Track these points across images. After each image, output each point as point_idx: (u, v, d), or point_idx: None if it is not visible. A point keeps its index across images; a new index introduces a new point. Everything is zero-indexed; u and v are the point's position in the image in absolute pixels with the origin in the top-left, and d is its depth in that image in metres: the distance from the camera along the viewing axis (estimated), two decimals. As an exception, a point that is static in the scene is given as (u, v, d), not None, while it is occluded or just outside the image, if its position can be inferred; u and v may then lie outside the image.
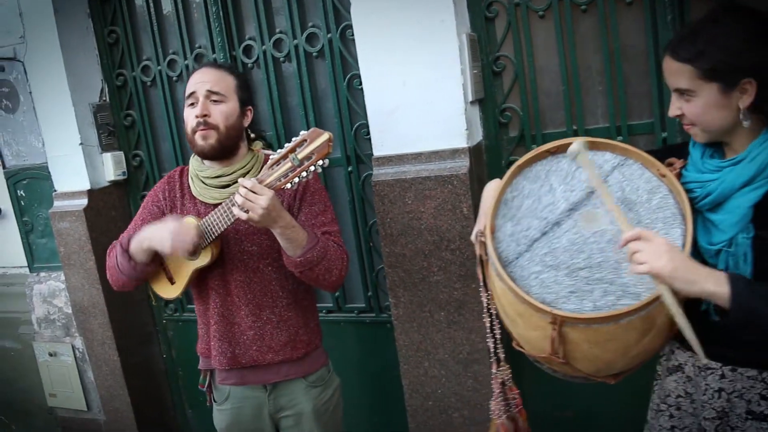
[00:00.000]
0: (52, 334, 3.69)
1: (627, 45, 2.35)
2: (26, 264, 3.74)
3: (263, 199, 1.73)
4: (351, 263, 2.95)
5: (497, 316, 1.70)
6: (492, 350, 1.75)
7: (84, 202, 3.25)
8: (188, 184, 2.10)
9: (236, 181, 1.95)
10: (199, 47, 3.08)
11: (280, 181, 1.75)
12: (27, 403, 4.01)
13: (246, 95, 2.05)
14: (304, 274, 1.91)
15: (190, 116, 1.97)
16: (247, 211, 1.75)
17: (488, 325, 1.71)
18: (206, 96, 1.95)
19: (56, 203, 3.35)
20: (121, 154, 3.36)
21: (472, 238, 1.65)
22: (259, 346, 2.05)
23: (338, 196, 2.93)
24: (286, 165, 1.74)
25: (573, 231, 1.52)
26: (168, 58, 3.16)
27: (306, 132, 1.72)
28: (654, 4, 2.26)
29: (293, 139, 1.73)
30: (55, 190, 3.38)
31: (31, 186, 3.56)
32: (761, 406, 1.45)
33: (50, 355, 3.68)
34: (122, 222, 3.37)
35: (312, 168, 1.71)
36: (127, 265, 2.02)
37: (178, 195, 2.12)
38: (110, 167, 3.30)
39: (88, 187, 3.27)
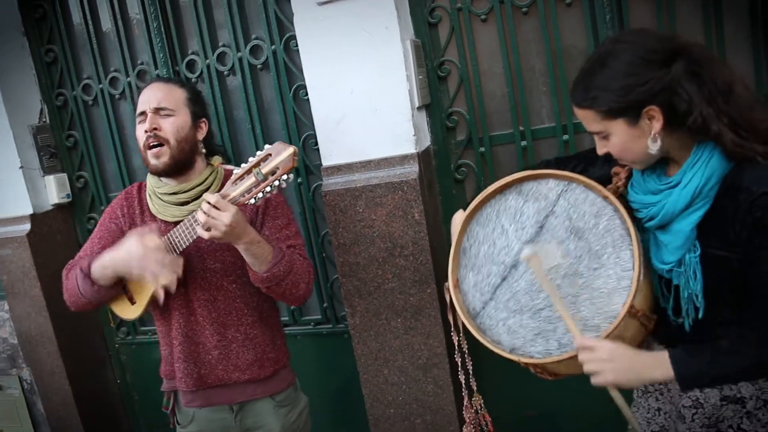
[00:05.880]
0: (-3, 367, 3.56)
1: (568, 45, 2.40)
2: (-34, 295, 3.59)
3: (226, 215, 1.69)
4: (305, 275, 2.95)
5: (468, 352, 1.82)
6: (463, 384, 1.85)
7: (27, 227, 3.14)
8: (147, 200, 2.05)
9: (195, 198, 1.92)
10: (142, 64, 3.03)
11: (244, 196, 1.71)
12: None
13: (198, 108, 2.01)
14: (271, 289, 1.87)
15: (140, 132, 1.93)
16: (209, 229, 1.71)
17: (459, 363, 1.81)
18: (154, 112, 1.92)
19: (-3, 229, 3.24)
20: (64, 176, 3.27)
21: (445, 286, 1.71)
22: (225, 365, 2.00)
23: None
24: (250, 180, 1.70)
25: (530, 271, 1.56)
26: (110, 76, 3.10)
27: (270, 146, 1.69)
28: (593, 4, 2.32)
29: (257, 153, 1.69)
30: (-5, 216, 3.26)
31: (-30, 213, 3.43)
32: (733, 390, 1.49)
33: (-5, 388, 3.55)
34: (68, 246, 3.27)
35: (276, 183, 1.68)
36: (90, 290, 1.94)
37: (137, 212, 2.05)
38: (53, 190, 3.21)
39: (30, 211, 3.17)
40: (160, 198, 1.98)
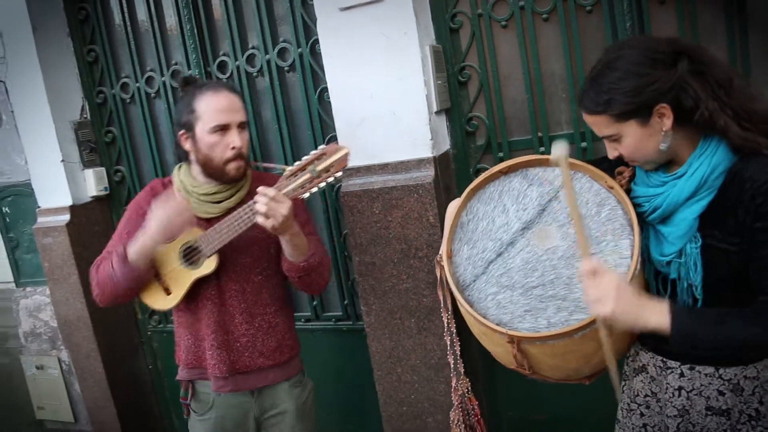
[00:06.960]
0: (39, 348, 3.74)
1: (588, 52, 2.39)
2: (12, 279, 3.80)
3: (284, 207, 1.82)
4: (327, 272, 3.03)
5: (458, 334, 1.82)
6: (452, 366, 1.85)
7: (67, 217, 3.29)
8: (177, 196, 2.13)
9: (228, 198, 2.05)
10: (176, 64, 3.14)
11: (297, 191, 1.85)
12: (15, 417, 4.06)
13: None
14: (302, 279, 2.03)
15: (221, 145, 1.99)
16: (268, 218, 1.83)
17: (449, 342, 1.83)
18: (239, 127, 2.02)
19: (40, 219, 3.40)
20: (102, 170, 3.41)
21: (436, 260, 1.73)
22: (251, 352, 2.13)
23: (313, 206, 2.96)
24: (305, 176, 1.83)
25: (526, 250, 1.58)
26: (146, 76, 3.22)
27: (324, 146, 1.84)
28: (613, 11, 2.31)
29: (312, 152, 1.84)
30: (39, 207, 3.42)
31: (16, 203, 3.63)
32: (719, 402, 1.50)
33: (37, 368, 3.73)
34: (105, 237, 3.40)
35: (330, 179, 1.84)
36: (129, 274, 1.98)
37: None
38: (92, 183, 3.35)
39: (70, 202, 3.31)
40: (194, 197, 2.08)
